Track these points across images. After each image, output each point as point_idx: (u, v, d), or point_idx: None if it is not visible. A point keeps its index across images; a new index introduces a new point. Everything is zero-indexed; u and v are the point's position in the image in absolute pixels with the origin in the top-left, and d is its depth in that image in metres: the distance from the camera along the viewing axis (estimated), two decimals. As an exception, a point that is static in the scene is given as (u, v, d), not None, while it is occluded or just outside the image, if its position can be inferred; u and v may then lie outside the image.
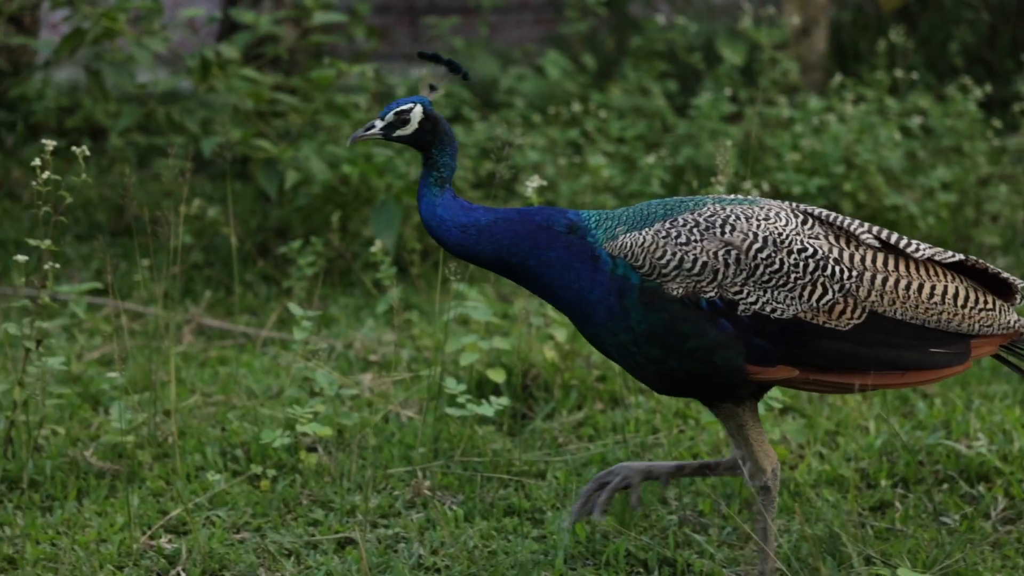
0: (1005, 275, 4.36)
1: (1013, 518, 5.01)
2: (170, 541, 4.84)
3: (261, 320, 7.52)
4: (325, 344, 6.50)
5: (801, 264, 4.14)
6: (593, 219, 4.26)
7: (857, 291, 4.17)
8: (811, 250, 4.16)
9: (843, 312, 4.16)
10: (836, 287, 4.15)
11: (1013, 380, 6.30)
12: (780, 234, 4.16)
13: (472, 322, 6.53)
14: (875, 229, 4.28)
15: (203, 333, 7.32)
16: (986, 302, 4.31)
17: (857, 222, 4.29)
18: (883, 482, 5.28)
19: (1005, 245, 8.94)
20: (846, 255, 4.19)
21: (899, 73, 10.19)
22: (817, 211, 4.29)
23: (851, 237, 4.25)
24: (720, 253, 4.13)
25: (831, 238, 4.23)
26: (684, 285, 4.13)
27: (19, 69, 10.45)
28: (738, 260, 4.13)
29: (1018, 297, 4.39)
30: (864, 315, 4.17)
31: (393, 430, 5.76)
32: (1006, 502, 5.09)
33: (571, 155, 9.41)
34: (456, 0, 16.41)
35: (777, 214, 4.22)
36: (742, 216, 4.19)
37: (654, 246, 4.15)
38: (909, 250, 4.27)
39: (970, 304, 4.28)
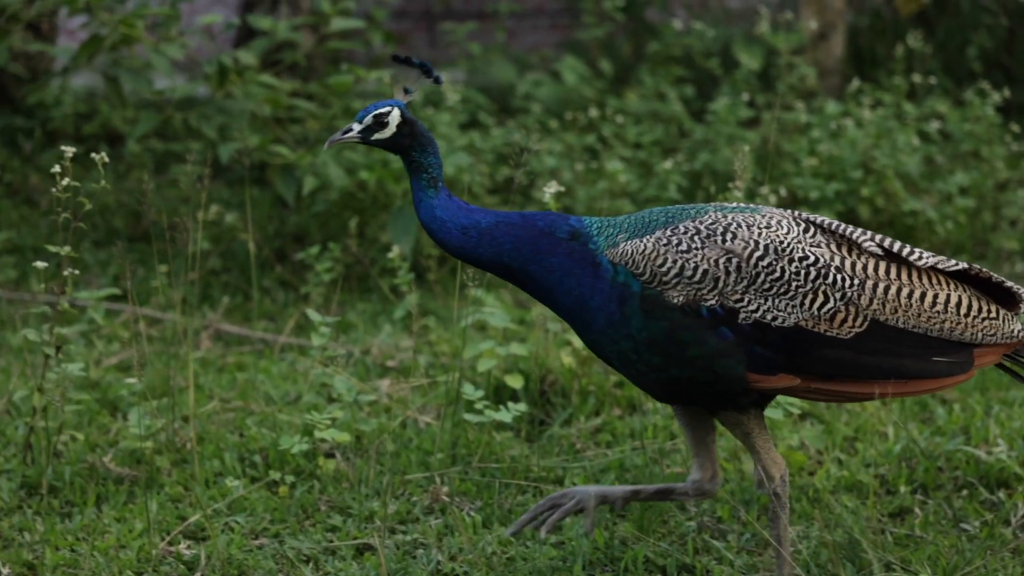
0: (1009, 284, 4.34)
1: (1033, 525, 4.99)
2: (189, 547, 4.84)
3: (279, 326, 7.53)
4: (343, 350, 6.51)
5: (802, 272, 4.13)
6: (595, 226, 4.25)
7: (859, 299, 4.15)
8: (812, 258, 4.15)
9: (845, 320, 4.14)
10: (838, 295, 4.14)
11: (1033, 386, 6.27)
12: (781, 242, 4.15)
13: (490, 328, 6.53)
14: (877, 237, 4.27)
15: (221, 339, 7.33)
16: (989, 311, 4.28)
17: (860, 230, 4.27)
18: (902, 488, 5.26)
19: (1023, 250, 8.92)
20: (848, 263, 4.18)
21: (917, 78, 10.16)
22: (819, 219, 4.27)
23: (853, 245, 4.23)
24: (721, 261, 4.12)
25: (833, 246, 4.21)
26: (685, 293, 4.11)
27: (37, 75, 10.50)
28: (739, 268, 4.11)
29: (1022, 307, 4.36)
30: (866, 323, 4.15)
31: (411, 436, 5.76)
32: (1026, 508, 5.07)
33: (588, 160, 9.40)
34: (473, 5, 16.43)
35: (779, 222, 4.20)
36: (743, 224, 4.17)
37: (655, 253, 4.14)
38: (912, 258, 4.25)
39: (973, 313, 4.25)
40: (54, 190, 5.03)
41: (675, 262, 4.12)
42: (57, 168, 5.00)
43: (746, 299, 4.11)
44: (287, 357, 6.95)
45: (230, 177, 9.74)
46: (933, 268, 4.27)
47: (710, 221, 4.18)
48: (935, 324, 4.21)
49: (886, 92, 10.11)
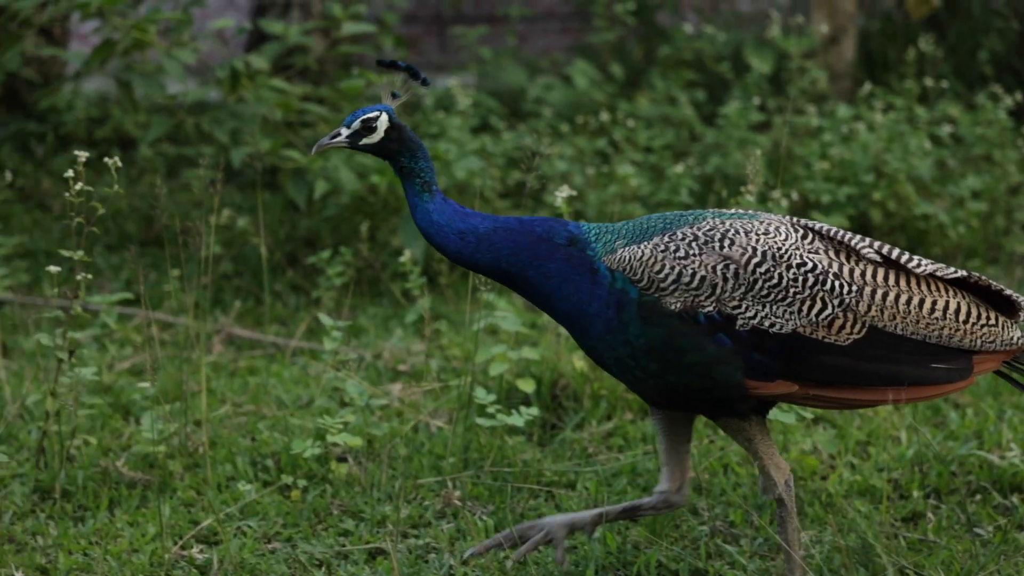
0: (1008, 292, 4.33)
1: (1047, 529, 4.98)
2: (201, 551, 4.85)
3: (290, 330, 7.53)
4: (355, 354, 6.51)
5: (800, 279, 4.12)
6: (593, 232, 4.25)
7: (857, 306, 4.14)
8: (811, 264, 4.14)
9: (843, 327, 4.13)
10: (836, 302, 4.13)
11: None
12: (779, 248, 4.14)
13: (501, 332, 6.54)
14: (876, 244, 4.26)
15: (233, 343, 7.34)
16: (988, 318, 4.27)
17: (859, 237, 4.26)
18: (915, 493, 5.25)
19: (1036, 254, 8.90)
20: (846, 270, 4.17)
21: (928, 81, 10.15)
22: (818, 225, 4.26)
23: (852, 252, 4.22)
24: (719, 267, 4.11)
25: (831, 253, 4.20)
26: (682, 299, 4.11)
27: (49, 80, 10.53)
28: (737, 274, 4.10)
29: (1022, 315, 4.35)
30: (864, 330, 4.14)
31: (423, 440, 5.76)
32: (1040, 513, 5.06)
33: (599, 165, 9.40)
34: (483, 9, 16.45)
35: (777, 228, 4.19)
36: (741, 230, 4.16)
37: (652, 260, 4.13)
38: (910, 265, 4.24)
39: (972, 319, 4.24)
40: (67, 195, 5.04)
41: (673, 268, 4.11)
42: (70, 173, 5.01)
43: (744, 306, 4.10)
44: (299, 361, 6.96)
45: (242, 181, 9.76)
46: (932, 275, 4.26)
47: (708, 227, 4.18)
48: (934, 331, 4.20)
49: (897, 96, 10.10)
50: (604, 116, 9.91)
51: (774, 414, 5.15)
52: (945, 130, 9.44)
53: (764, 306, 4.10)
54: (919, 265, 4.25)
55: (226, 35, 10.12)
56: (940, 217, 8.62)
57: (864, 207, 8.73)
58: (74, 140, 10.22)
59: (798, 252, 4.15)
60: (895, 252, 4.25)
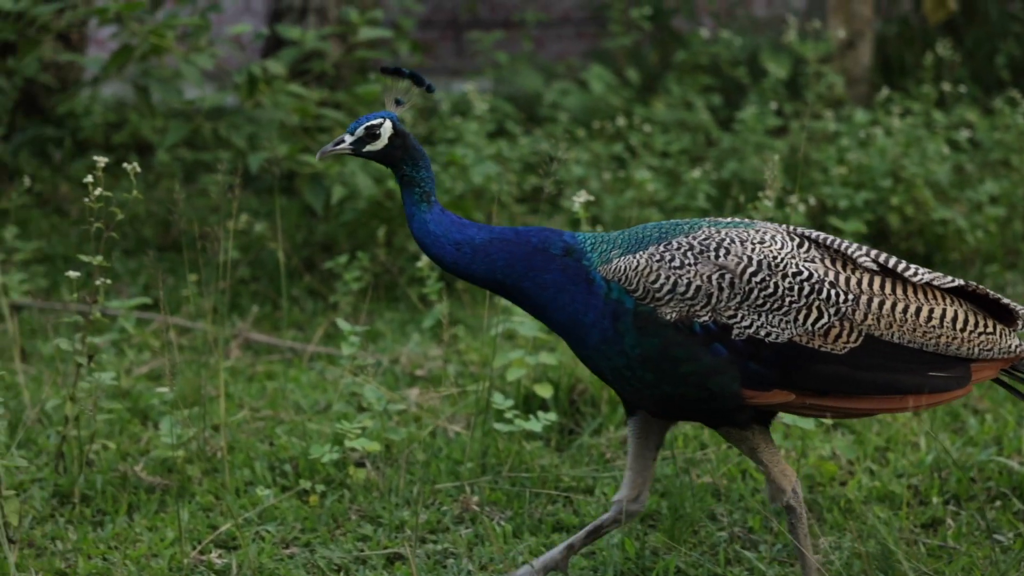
0: (1006, 301, 4.31)
1: (1068, 536, 4.96)
2: (220, 556, 4.85)
3: (308, 335, 7.54)
4: (373, 359, 6.52)
5: (796, 287, 4.10)
6: (588, 242, 4.23)
7: (853, 314, 4.12)
8: (806, 273, 4.12)
9: (839, 336, 4.11)
10: (832, 310, 4.11)
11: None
12: (775, 257, 4.12)
13: (519, 337, 6.53)
14: (873, 253, 4.24)
15: (250, 348, 7.35)
16: (986, 326, 4.25)
17: (855, 245, 4.24)
18: (935, 499, 5.24)
19: (1054, 259, 8.87)
20: (842, 278, 4.15)
21: (946, 86, 10.12)
22: (814, 234, 4.25)
23: (848, 260, 4.21)
24: (714, 277, 4.09)
25: (827, 261, 4.18)
26: (678, 309, 4.09)
27: (67, 85, 10.56)
28: (732, 284, 4.09)
29: (1020, 323, 4.33)
30: (861, 339, 4.12)
31: (441, 445, 5.76)
32: (1060, 520, 5.05)
33: (615, 169, 9.40)
34: (499, 14, 16.47)
35: (773, 237, 4.18)
36: (736, 239, 4.15)
37: (648, 270, 4.12)
38: (907, 274, 4.22)
39: (969, 328, 4.22)
40: (86, 200, 5.05)
41: (668, 278, 4.10)
42: (90, 178, 5.02)
43: (739, 315, 4.09)
44: (316, 366, 6.97)
45: (259, 186, 9.78)
46: (929, 284, 4.24)
47: (703, 236, 4.16)
48: (931, 339, 4.18)
49: (915, 100, 10.07)
50: (620, 121, 9.91)
51: (791, 419, 5.14)
52: (963, 135, 9.42)
53: (760, 315, 4.08)
54: (916, 274, 4.23)
55: (243, 40, 10.14)
56: (958, 222, 8.60)
57: (882, 212, 8.71)
58: (92, 145, 10.25)
59: (794, 261, 4.13)
60: (892, 261, 4.24)
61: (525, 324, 5.98)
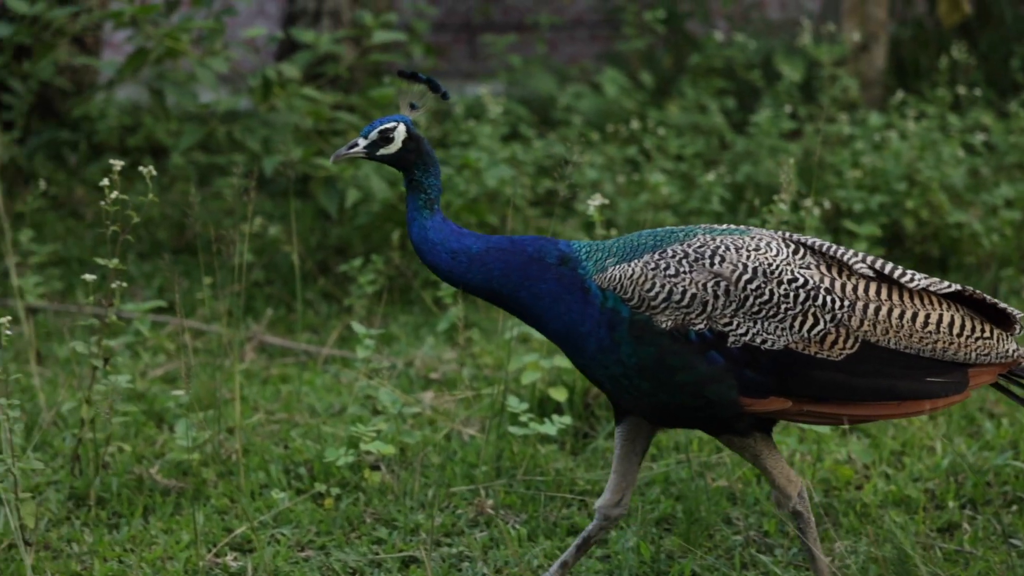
0: (1003, 306, 4.29)
1: (1084, 540, 4.94)
2: (235, 559, 4.86)
3: (322, 338, 7.55)
4: (387, 362, 6.52)
5: (792, 294, 4.09)
6: (584, 250, 4.22)
7: (849, 321, 4.10)
8: (802, 280, 4.11)
9: (835, 342, 4.10)
10: (828, 317, 4.10)
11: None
12: (770, 264, 4.11)
13: (533, 340, 6.53)
14: (869, 259, 4.23)
15: (265, 351, 7.36)
16: (983, 330, 4.23)
17: (852, 252, 4.23)
18: (951, 503, 5.22)
19: (1070, 263, 8.84)
20: (838, 285, 4.14)
21: (961, 89, 10.10)
22: (810, 240, 4.23)
23: (844, 267, 4.19)
24: (709, 285, 4.08)
25: (823, 268, 4.17)
26: (673, 317, 4.08)
27: (82, 89, 10.59)
28: (727, 291, 4.08)
29: (1017, 327, 4.31)
30: (857, 345, 4.11)
31: (455, 448, 5.76)
32: (1077, 524, 5.03)
33: (630, 173, 9.40)
34: (512, 17, 16.47)
35: (768, 244, 4.17)
36: (732, 247, 4.14)
37: (643, 278, 4.11)
38: (904, 280, 4.21)
39: (966, 333, 4.20)
40: (103, 203, 5.06)
41: (663, 287, 4.09)
42: (105, 182, 5.03)
43: (735, 323, 4.07)
44: (331, 369, 6.97)
45: (273, 189, 9.79)
46: (925, 289, 4.22)
47: (698, 244, 4.15)
48: (927, 344, 4.16)
49: (930, 104, 10.05)
50: (634, 124, 9.91)
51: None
52: (978, 138, 9.40)
53: (756, 323, 4.07)
54: (912, 279, 4.22)
55: (257, 44, 10.16)
56: (973, 226, 8.58)
57: (897, 216, 8.69)
58: (106, 148, 10.28)
59: (789, 268, 4.12)
60: (888, 267, 4.22)
61: (540, 327, 5.98)
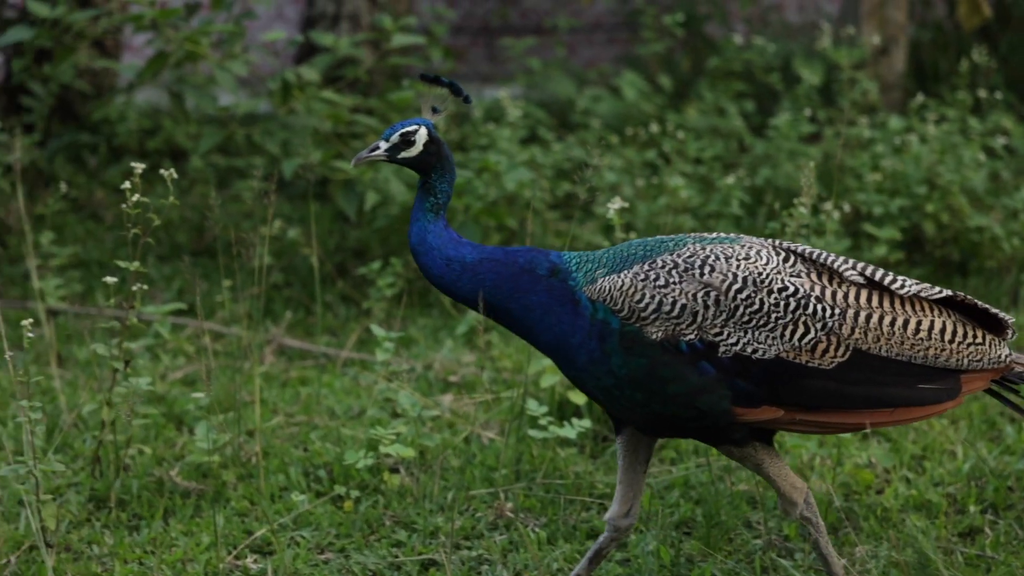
0: (995, 311, 4.27)
1: (1107, 546, 4.92)
2: (255, 561, 4.87)
3: (341, 341, 7.56)
4: (406, 365, 6.53)
5: (782, 303, 4.07)
6: (574, 261, 4.21)
7: (840, 329, 4.09)
8: (792, 288, 4.09)
9: (826, 350, 4.08)
10: (818, 325, 4.08)
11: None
12: (760, 273, 4.10)
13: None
14: (860, 266, 4.21)
15: (284, 353, 7.38)
16: (975, 336, 4.21)
17: (842, 259, 4.22)
18: (972, 508, 5.20)
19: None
20: (828, 293, 4.12)
21: (981, 93, 10.06)
22: (801, 248, 4.22)
23: (834, 274, 4.18)
24: (699, 295, 4.07)
25: (814, 276, 4.15)
26: (664, 328, 4.06)
27: (102, 92, 10.63)
28: (717, 301, 4.06)
29: (1009, 332, 4.30)
30: (848, 353, 4.09)
31: (475, 451, 5.76)
32: (1099, 529, 5.00)
33: (648, 176, 9.39)
34: (531, 20, 16.48)
35: (758, 253, 4.15)
36: (721, 256, 4.12)
37: (632, 289, 4.10)
38: (894, 287, 4.19)
39: (958, 339, 4.19)
40: (124, 206, 5.08)
41: (653, 297, 4.08)
42: (127, 184, 5.05)
43: (726, 332, 4.06)
44: (350, 372, 6.98)
45: (292, 192, 9.81)
46: (916, 296, 4.21)
47: (688, 254, 4.14)
48: (919, 351, 4.15)
49: (950, 107, 10.02)
50: (653, 127, 9.90)
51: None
52: (998, 141, 9.36)
53: (746, 332, 4.06)
54: (903, 286, 4.20)
55: (277, 47, 10.18)
56: (994, 229, 8.54)
57: (917, 219, 8.66)
58: (126, 151, 10.31)
59: (779, 276, 4.11)
60: (879, 273, 4.21)
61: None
